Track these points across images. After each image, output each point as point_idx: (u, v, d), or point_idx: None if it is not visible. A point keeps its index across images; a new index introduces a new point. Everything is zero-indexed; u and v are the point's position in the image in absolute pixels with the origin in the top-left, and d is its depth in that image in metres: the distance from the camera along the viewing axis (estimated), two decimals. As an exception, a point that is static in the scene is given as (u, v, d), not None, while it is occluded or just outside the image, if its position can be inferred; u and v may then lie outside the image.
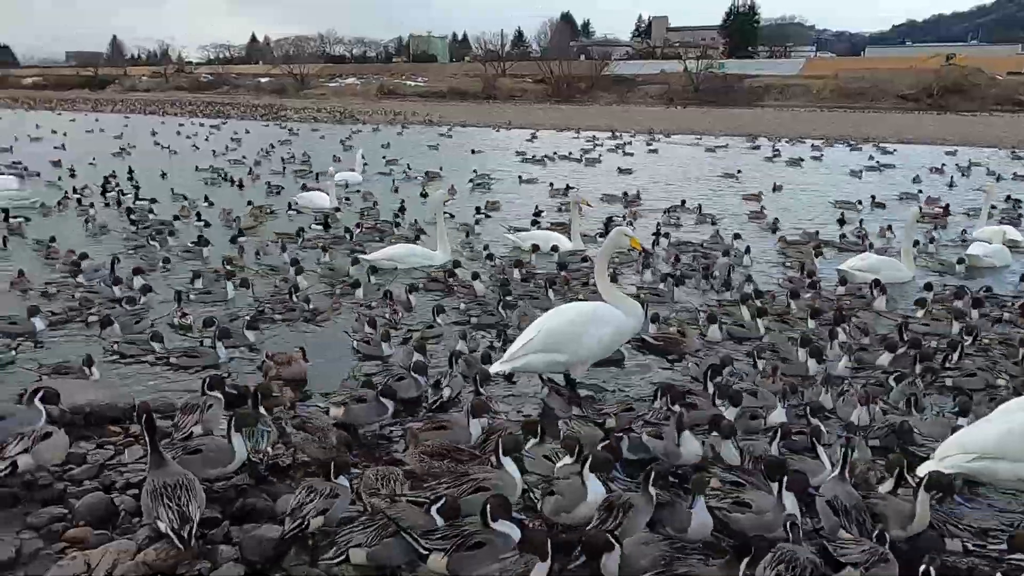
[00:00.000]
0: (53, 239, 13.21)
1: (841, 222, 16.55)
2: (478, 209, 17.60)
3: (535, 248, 13.18)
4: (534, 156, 30.81)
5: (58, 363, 7.72)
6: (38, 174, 23.36)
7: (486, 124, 50.83)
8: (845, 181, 25.00)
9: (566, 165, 29.30)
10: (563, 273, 11.53)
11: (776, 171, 27.20)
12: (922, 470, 5.36)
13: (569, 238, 13.91)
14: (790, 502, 4.83)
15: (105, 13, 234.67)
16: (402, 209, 17.21)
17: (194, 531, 4.56)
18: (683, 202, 18.89)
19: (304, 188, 20.97)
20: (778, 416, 6.53)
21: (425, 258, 12.46)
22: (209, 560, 4.58)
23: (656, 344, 8.74)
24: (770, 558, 4.24)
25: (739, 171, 25.83)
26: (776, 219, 16.48)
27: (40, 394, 5.74)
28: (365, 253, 12.70)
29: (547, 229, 15.01)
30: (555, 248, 13.53)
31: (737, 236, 14.30)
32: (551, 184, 22.02)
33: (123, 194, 19.18)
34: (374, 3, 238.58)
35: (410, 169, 25.41)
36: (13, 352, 7.95)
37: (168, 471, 4.78)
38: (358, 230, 14.97)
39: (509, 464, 5.09)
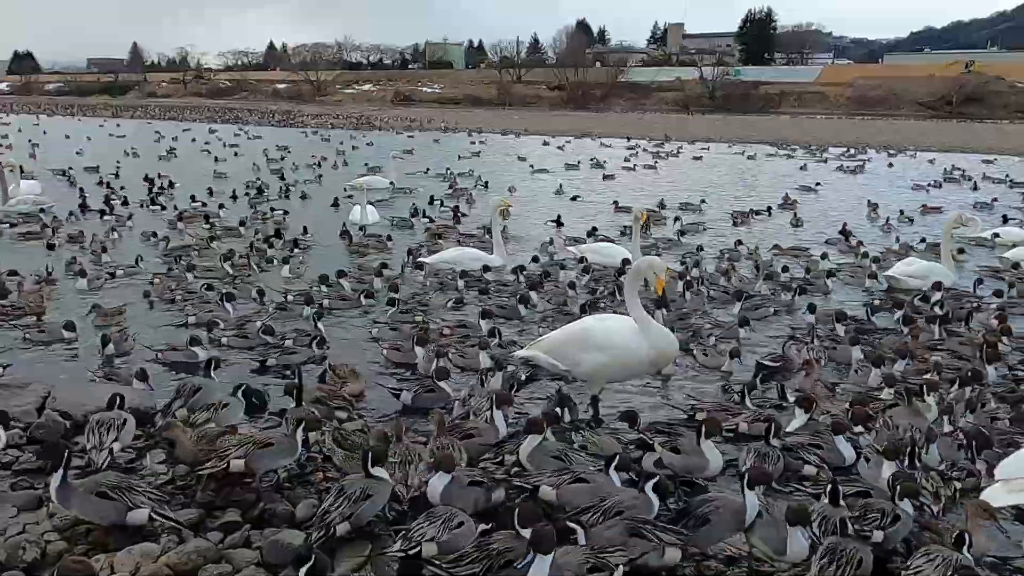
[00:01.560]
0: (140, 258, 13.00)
1: (844, 234, 16.27)
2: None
3: (582, 260, 12.96)
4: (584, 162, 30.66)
5: (108, 370, 7.85)
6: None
7: (502, 130, 50.93)
8: (908, 193, 23.92)
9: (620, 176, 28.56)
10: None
11: (847, 183, 26.52)
12: (991, 496, 4.99)
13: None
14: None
15: (127, 20, 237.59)
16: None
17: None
18: (769, 208, 19.46)
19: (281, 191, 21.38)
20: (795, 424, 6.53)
21: (483, 261, 12.72)
22: (230, 564, 4.62)
23: (774, 367, 8.39)
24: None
25: (818, 183, 24.71)
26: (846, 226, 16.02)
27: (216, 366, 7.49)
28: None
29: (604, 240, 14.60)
30: (626, 261, 12.70)
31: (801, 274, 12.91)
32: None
33: (111, 201, 18.59)
34: (392, 10, 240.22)
35: (457, 180, 24.76)
36: (1, 369, 7.83)
37: (93, 480, 4.96)
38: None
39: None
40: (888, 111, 70.45)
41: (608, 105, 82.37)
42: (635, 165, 30.45)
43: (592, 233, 15.23)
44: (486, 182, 24.36)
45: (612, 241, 14.85)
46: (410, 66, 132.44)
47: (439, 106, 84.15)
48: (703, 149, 38.41)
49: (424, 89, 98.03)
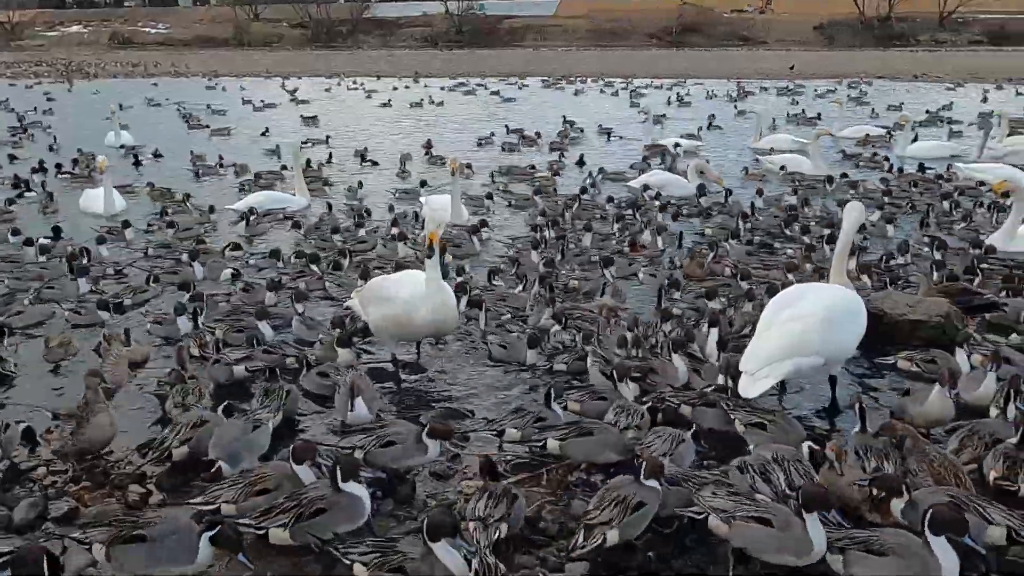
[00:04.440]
0: None
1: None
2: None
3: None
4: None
5: None
6: None
7: (241, 74, 47.11)
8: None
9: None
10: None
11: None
12: (743, 388, 5.45)
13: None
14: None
15: None
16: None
17: None
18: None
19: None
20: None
21: (285, 203, 12.74)
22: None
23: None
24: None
25: (666, 116, 25.00)
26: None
27: None
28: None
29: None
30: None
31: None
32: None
33: None
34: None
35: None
36: None
37: None
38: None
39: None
40: (622, 42, 75.37)
41: (356, 43, 79.69)
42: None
43: (424, 184, 14.84)
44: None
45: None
46: (127, 3, 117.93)
47: (167, 48, 76.07)
48: (511, 85, 37.80)
49: (147, 30, 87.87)
